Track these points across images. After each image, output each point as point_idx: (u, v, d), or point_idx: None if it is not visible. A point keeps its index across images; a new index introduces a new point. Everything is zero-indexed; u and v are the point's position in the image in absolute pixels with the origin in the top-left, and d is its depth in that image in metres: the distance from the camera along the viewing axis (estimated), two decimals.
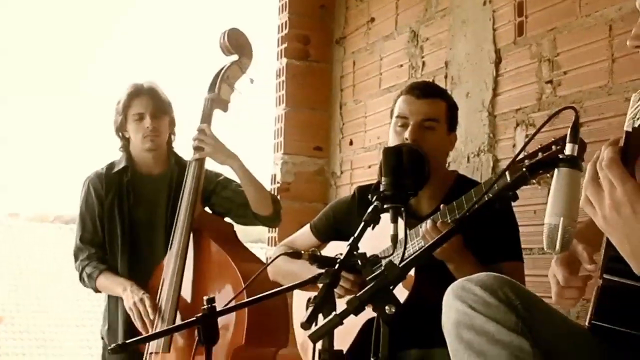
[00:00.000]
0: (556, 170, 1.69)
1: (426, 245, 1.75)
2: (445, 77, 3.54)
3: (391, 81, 3.96)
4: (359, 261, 2.24)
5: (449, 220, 2.39)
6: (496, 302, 1.53)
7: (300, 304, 2.95)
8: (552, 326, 1.60)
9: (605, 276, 1.58)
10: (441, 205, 2.45)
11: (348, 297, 2.59)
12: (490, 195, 1.78)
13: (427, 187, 2.52)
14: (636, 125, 1.32)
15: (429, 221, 2.39)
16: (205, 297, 2.12)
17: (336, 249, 2.84)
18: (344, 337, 2.61)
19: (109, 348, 2.08)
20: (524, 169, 1.74)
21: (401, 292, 2.50)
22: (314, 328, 1.72)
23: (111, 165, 3.46)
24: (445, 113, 2.64)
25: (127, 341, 2.07)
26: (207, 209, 3.45)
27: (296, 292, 2.88)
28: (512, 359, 1.47)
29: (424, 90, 2.63)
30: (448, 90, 3.50)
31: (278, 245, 3.03)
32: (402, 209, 2.27)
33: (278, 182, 4.44)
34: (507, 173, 2.27)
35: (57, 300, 14.90)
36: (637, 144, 1.33)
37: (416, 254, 1.72)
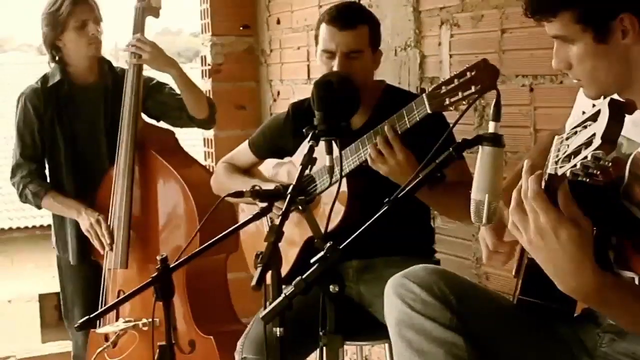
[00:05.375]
0: (480, 148, 1.83)
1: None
2: None
3: None
4: (300, 206, 2.38)
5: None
6: (432, 300, 1.71)
7: (246, 207, 3.07)
8: (483, 311, 1.80)
9: (529, 256, 1.76)
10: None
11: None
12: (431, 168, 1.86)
13: None
14: (559, 173, 1.45)
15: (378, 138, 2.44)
16: (158, 257, 2.24)
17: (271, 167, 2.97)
18: (286, 254, 2.77)
19: (76, 326, 2.20)
20: (451, 149, 1.84)
21: (337, 207, 2.66)
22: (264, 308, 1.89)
23: (45, 79, 3.44)
24: (369, 38, 2.69)
25: (92, 315, 2.18)
26: (142, 114, 3.50)
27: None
28: (447, 356, 1.68)
29: (346, 20, 2.65)
30: None
31: (219, 162, 3.13)
32: (336, 140, 2.40)
33: (209, 64, 4.46)
34: (426, 102, 2.38)
35: None
36: (557, 187, 1.47)
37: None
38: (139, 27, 3.35)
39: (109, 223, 3.30)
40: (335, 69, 2.63)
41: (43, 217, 13.22)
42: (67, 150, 3.42)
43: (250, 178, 2.93)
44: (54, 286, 3.70)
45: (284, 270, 2.65)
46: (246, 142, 3.06)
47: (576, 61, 1.70)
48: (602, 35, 1.64)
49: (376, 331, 2.66)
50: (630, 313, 1.52)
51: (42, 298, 12.83)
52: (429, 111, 2.34)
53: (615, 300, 1.49)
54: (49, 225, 3.67)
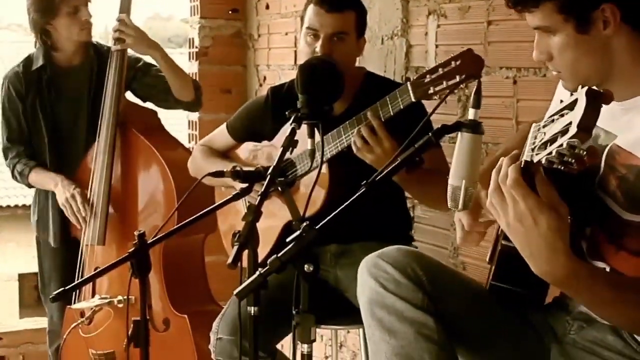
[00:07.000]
0: (459, 134, 1.83)
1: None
2: None
3: None
4: (279, 188, 2.38)
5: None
6: (405, 281, 1.72)
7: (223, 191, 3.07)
8: (455, 294, 1.82)
9: (503, 242, 1.78)
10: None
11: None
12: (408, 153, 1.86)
13: None
14: (535, 160, 1.47)
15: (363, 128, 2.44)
16: (135, 232, 2.24)
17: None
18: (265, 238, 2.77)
19: (51, 297, 2.21)
20: (430, 134, 1.85)
21: (318, 192, 2.66)
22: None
23: (28, 62, 3.43)
24: (355, 23, 2.70)
25: (67, 287, 2.18)
26: (129, 93, 3.50)
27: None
28: (417, 336, 1.69)
29: (334, 3, 2.65)
30: None
31: (197, 145, 3.14)
32: (319, 124, 2.40)
33: (196, 47, 4.45)
34: (410, 90, 2.39)
35: None
36: (533, 173, 1.48)
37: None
38: (125, 7, 3.34)
39: (89, 198, 3.29)
40: (318, 50, 2.63)
41: (25, 196, 13.17)
42: (49, 132, 3.41)
43: (228, 162, 2.93)
44: (35, 266, 3.70)
45: (265, 254, 2.68)
46: (224, 125, 3.05)
47: (557, 52, 1.70)
48: (584, 25, 1.65)
49: (352, 316, 2.66)
50: (599, 300, 1.54)
51: (22, 278, 12.78)
52: (413, 99, 2.34)
53: (585, 286, 1.51)
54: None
